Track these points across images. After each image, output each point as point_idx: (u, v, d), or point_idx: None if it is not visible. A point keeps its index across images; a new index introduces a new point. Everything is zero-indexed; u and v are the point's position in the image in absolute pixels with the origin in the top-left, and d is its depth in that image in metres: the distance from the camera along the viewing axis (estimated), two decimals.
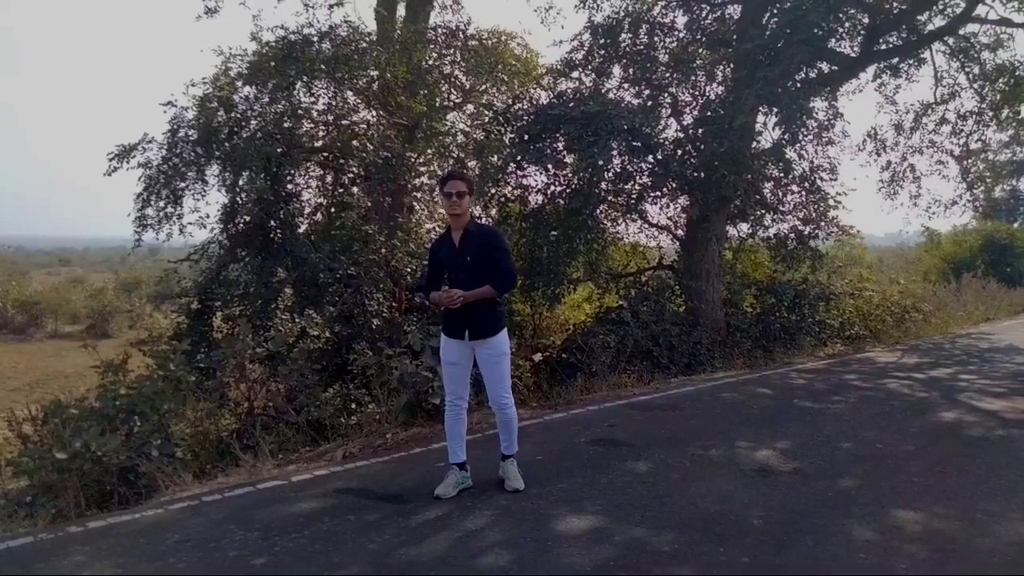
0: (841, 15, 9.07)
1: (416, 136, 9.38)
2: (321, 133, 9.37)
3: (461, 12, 11.20)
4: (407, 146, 8.98)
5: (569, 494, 3.93)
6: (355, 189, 9.40)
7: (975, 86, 11.86)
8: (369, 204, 9.20)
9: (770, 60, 8.38)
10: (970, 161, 13.91)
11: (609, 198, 9.09)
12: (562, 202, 8.84)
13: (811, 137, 9.23)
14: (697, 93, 9.86)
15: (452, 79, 10.46)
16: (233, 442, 5.16)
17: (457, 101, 10.63)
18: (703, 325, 9.07)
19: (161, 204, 8.46)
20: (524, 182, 9.21)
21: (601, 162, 8.10)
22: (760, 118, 9.39)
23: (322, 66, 8.54)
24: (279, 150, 8.15)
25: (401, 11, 10.41)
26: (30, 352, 17.62)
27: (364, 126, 9.34)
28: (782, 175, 9.51)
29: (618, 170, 8.79)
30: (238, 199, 8.31)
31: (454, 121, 10.69)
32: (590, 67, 10.03)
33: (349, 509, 3.75)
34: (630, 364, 7.93)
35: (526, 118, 9.00)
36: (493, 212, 9.26)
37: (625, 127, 8.24)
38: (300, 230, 8.73)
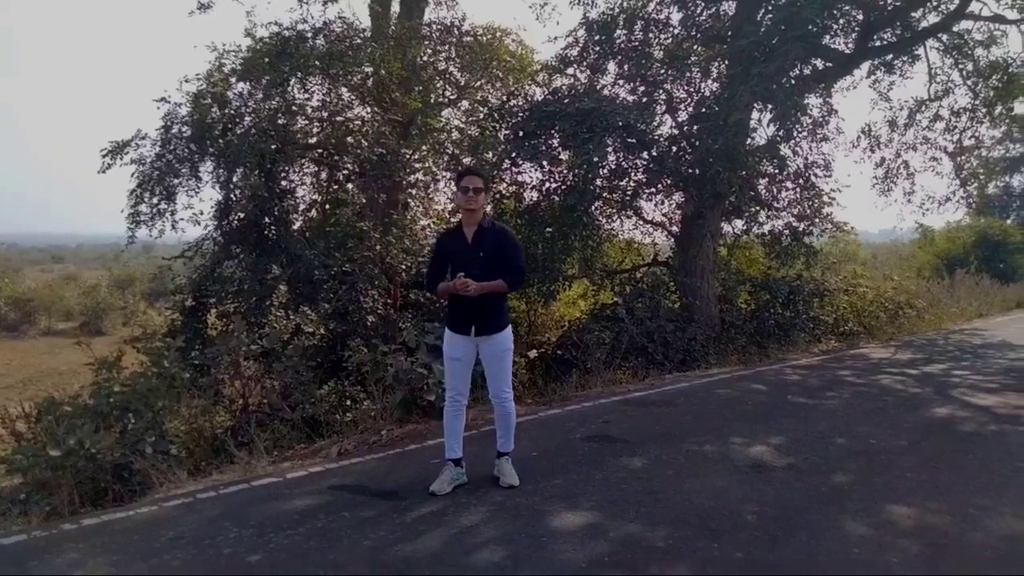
0: (835, 12, 9.10)
1: (411, 133, 9.36)
2: (315, 129, 9.34)
3: (456, 8, 11.21)
4: (402, 143, 8.95)
5: (564, 490, 3.94)
6: (350, 186, 9.37)
7: (968, 83, 11.91)
8: (364, 201, 9.17)
9: (765, 57, 8.38)
10: (964, 158, 13.97)
11: (604, 195, 9.09)
12: (557, 199, 8.84)
13: (805, 134, 9.26)
14: (692, 89, 9.86)
15: (447, 75, 10.45)
16: (228, 439, 5.15)
17: (452, 97, 10.61)
18: (698, 321, 9.10)
19: (155, 201, 8.44)
20: (519, 179, 9.21)
21: (596, 159, 8.09)
22: (755, 115, 9.44)
23: (316, 62, 8.51)
24: (273, 147, 8.12)
25: (396, 7, 10.37)
26: (23, 349, 17.51)
27: (359, 122, 9.30)
28: (777, 171, 9.54)
29: (613, 167, 8.80)
30: (232, 196, 8.28)
31: (449, 118, 10.67)
32: (585, 63, 10.02)
33: (344, 506, 3.75)
34: (625, 360, 7.94)
35: (521, 115, 8.98)
36: (488, 209, 9.24)
37: (620, 123, 8.24)
38: (295, 227, 8.70)
